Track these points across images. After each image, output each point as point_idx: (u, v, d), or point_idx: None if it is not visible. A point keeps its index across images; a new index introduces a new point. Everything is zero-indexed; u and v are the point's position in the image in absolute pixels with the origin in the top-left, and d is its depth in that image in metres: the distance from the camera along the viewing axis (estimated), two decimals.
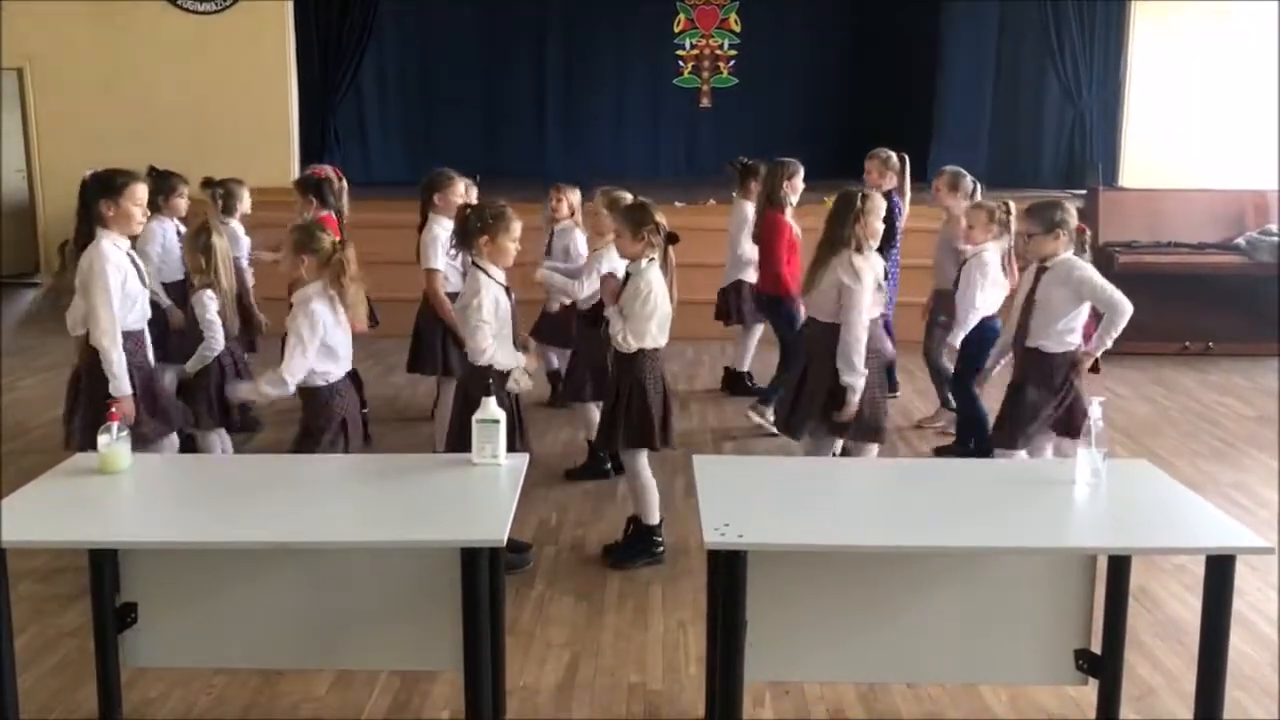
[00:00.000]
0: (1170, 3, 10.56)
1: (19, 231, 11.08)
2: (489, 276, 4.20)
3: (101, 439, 3.11)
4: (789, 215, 6.18)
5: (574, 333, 5.72)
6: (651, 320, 4.27)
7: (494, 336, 4.16)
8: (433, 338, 5.49)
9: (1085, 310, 4.40)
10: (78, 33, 10.46)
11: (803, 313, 5.89)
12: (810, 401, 4.60)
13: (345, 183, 6.46)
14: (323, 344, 3.90)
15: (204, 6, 10.52)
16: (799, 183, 6.21)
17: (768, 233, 6.15)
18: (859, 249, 4.48)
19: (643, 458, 4.45)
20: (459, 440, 4.12)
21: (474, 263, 4.24)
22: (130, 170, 4.38)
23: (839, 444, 4.75)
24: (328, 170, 6.50)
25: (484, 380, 3.82)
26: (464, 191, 5.67)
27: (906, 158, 6.45)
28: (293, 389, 3.89)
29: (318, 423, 3.94)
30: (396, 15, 11.88)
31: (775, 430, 6.12)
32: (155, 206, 5.31)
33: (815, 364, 4.61)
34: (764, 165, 6.74)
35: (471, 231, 4.20)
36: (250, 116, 10.44)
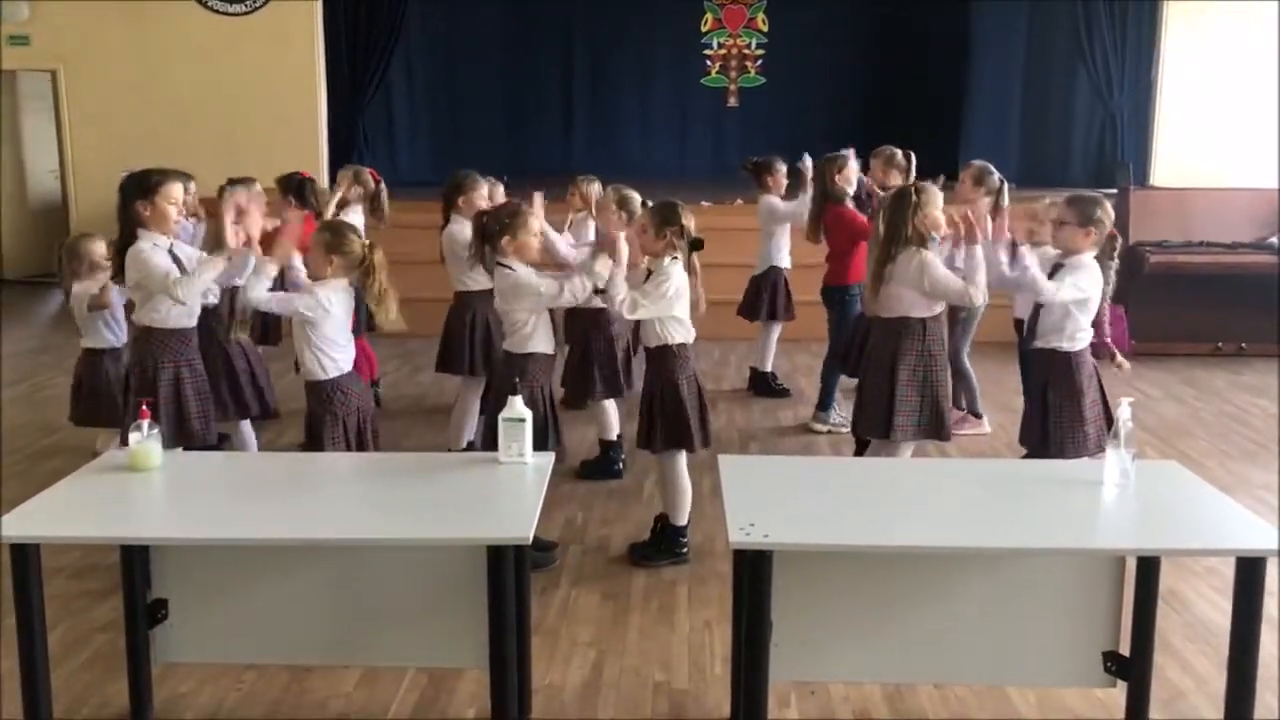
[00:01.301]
0: (1202, 1, 10.46)
1: (51, 231, 11.21)
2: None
3: (132, 436, 3.15)
4: (849, 205, 6.16)
5: (571, 331, 5.72)
6: (663, 303, 4.24)
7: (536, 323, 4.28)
8: (461, 337, 5.52)
9: (1093, 307, 4.31)
10: (109, 34, 10.57)
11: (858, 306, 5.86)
12: (878, 401, 4.55)
13: (384, 186, 6.50)
14: (327, 335, 3.98)
15: (234, 8, 10.61)
16: (850, 173, 6.17)
17: (832, 227, 6.14)
18: (922, 243, 4.44)
19: (681, 459, 4.45)
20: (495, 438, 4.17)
21: (500, 264, 4.27)
22: (166, 169, 4.44)
23: (909, 448, 4.68)
24: (368, 172, 6.52)
25: (513, 378, 3.85)
26: (487, 195, 5.68)
27: (913, 155, 6.39)
28: (252, 293, 4.05)
29: (320, 418, 4.02)
30: (424, 16, 11.93)
31: (844, 430, 6.11)
32: None
33: (878, 365, 4.58)
34: (776, 161, 6.78)
35: (492, 234, 4.26)
36: (279, 117, 10.52)
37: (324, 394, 4.03)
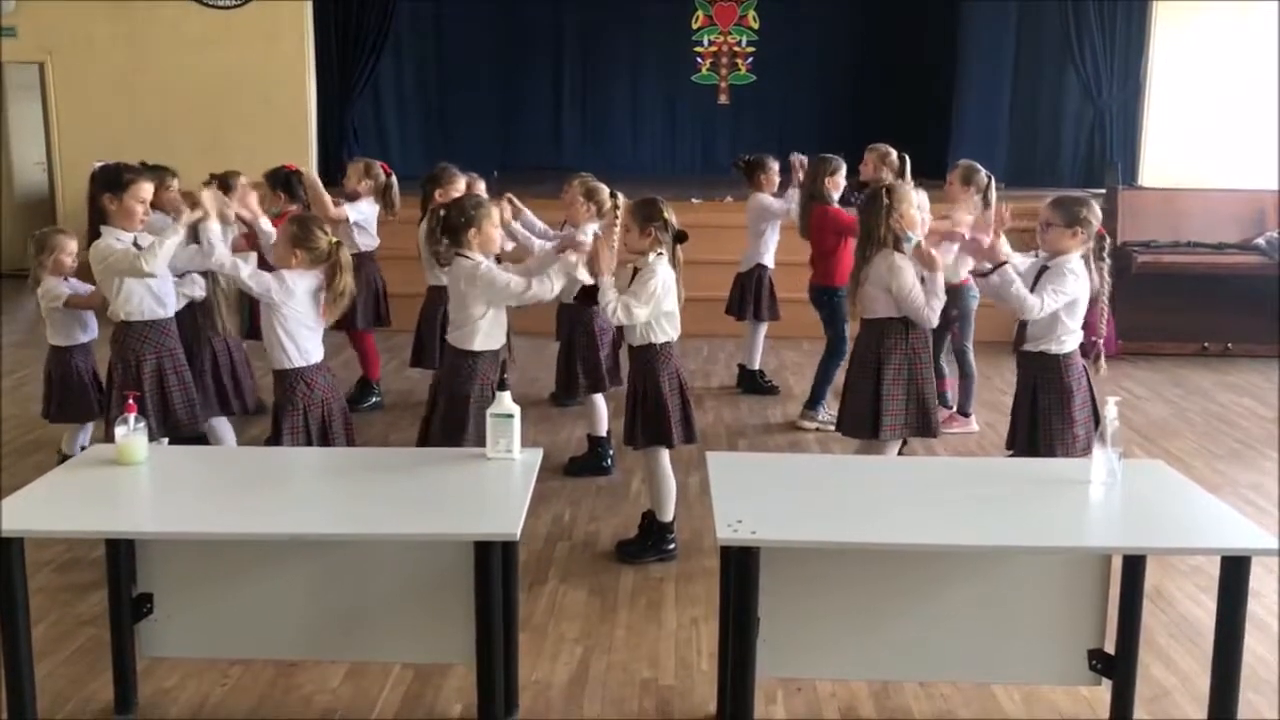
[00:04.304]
0: (1191, 2, 10.49)
1: (39, 224, 11.10)
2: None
3: (118, 430, 3.14)
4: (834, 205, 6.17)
5: (560, 326, 5.73)
6: (651, 304, 4.23)
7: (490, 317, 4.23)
8: (432, 333, 5.53)
9: (1081, 308, 4.29)
10: (98, 27, 10.51)
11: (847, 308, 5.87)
12: (864, 401, 4.56)
13: (394, 179, 6.51)
14: (293, 320, 4.00)
15: (223, 1, 10.56)
16: (840, 179, 6.20)
17: (816, 227, 6.15)
18: (897, 244, 4.45)
19: (664, 455, 4.45)
20: (443, 436, 4.15)
21: (459, 254, 4.23)
22: (136, 166, 4.45)
23: (894, 446, 4.68)
24: (379, 165, 6.52)
25: (469, 374, 3.85)
26: (464, 188, 5.68)
27: (907, 157, 6.40)
28: (214, 252, 4.15)
29: (282, 407, 4.05)
30: (414, 10, 11.89)
31: (831, 428, 6.09)
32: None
33: (863, 366, 4.60)
34: (768, 159, 6.78)
35: (458, 227, 4.22)
36: (269, 111, 10.47)
37: (287, 383, 4.05)
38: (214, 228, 4.13)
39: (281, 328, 4.00)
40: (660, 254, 4.28)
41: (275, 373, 4.09)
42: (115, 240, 4.27)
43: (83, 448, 5.01)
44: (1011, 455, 4.49)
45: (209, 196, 4.28)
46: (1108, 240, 4.38)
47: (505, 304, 4.27)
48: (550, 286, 4.22)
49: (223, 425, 4.98)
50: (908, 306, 4.45)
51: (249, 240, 5.16)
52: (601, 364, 5.48)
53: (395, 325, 6.69)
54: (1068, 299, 4.22)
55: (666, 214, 4.30)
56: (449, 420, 4.21)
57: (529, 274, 4.31)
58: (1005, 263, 4.27)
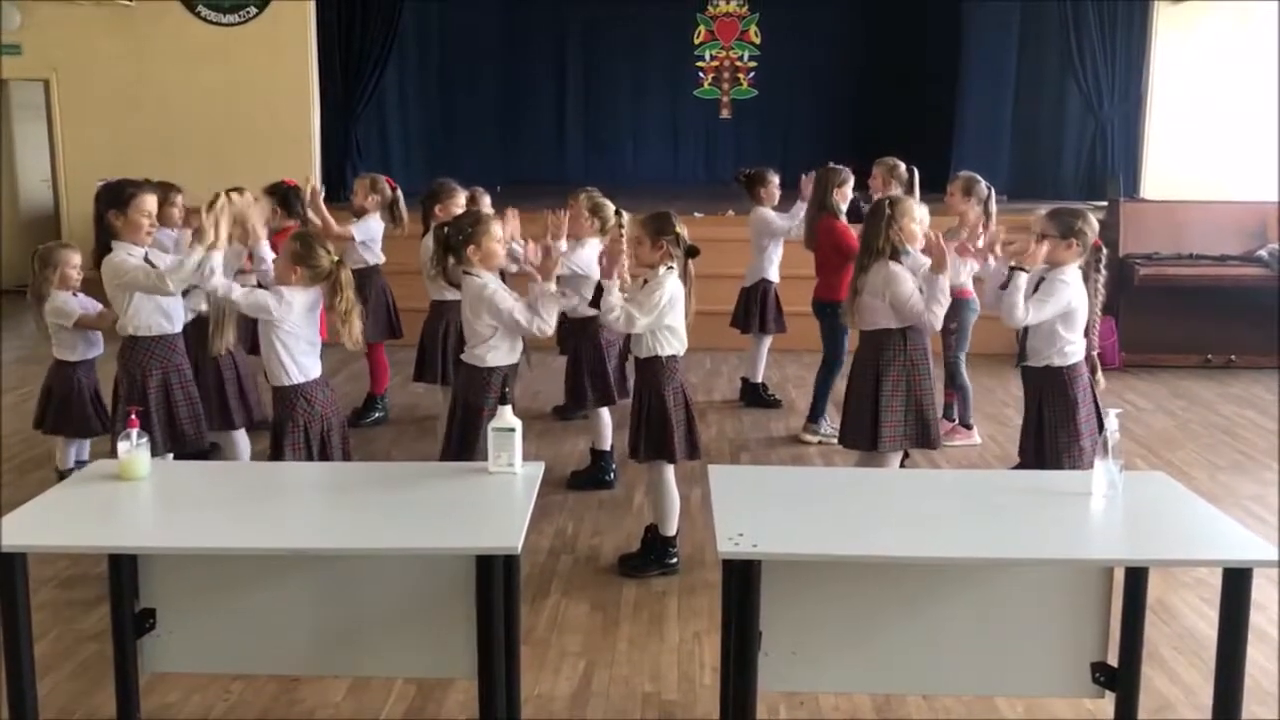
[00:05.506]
0: (1193, 13, 10.52)
1: (43, 241, 11.15)
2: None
3: (121, 445, 3.15)
4: (843, 220, 6.18)
5: (566, 340, 5.74)
6: (654, 314, 4.24)
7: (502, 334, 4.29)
8: (434, 348, 5.54)
9: (1080, 318, 4.31)
10: (102, 44, 10.57)
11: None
12: (863, 412, 4.57)
13: (400, 193, 6.54)
14: (292, 336, 4.01)
15: (227, 18, 10.61)
16: (849, 190, 6.22)
17: (823, 239, 6.16)
18: (894, 256, 4.47)
19: (668, 470, 4.45)
20: (459, 448, 4.18)
21: (466, 273, 4.28)
22: (139, 180, 4.48)
23: (895, 457, 4.68)
24: (384, 180, 6.55)
25: (484, 387, 3.85)
26: (465, 203, 5.69)
27: (916, 170, 6.41)
28: (213, 279, 4.09)
29: (282, 424, 4.05)
30: (418, 26, 11.96)
31: (834, 442, 6.08)
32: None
33: (862, 377, 4.60)
34: (768, 172, 6.81)
35: (457, 245, 4.28)
36: (273, 127, 10.51)
37: (287, 399, 4.05)
38: (218, 256, 4.12)
39: (280, 343, 4.01)
40: (671, 268, 4.30)
41: (275, 389, 4.10)
42: (128, 255, 4.28)
43: (79, 462, 5.03)
44: (1018, 463, 4.50)
45: (223, 211, 4.19)
46: (1104, 252, 4.39)
47: (509, 329, 4.31)
48: (552, 324, 4.29)
49: (240, 436, 5.00)
50: (908, 314, 4.45)
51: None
52: (610, 376, 5.48)
53: (399, 340, 6.70)
54: (1057, 310, 4.23)
55: (679, 228, 4.33)
56: (464, 432, 4.25)
57: (532, 309, 4.33)
58: (1021, 267, 4.28)
